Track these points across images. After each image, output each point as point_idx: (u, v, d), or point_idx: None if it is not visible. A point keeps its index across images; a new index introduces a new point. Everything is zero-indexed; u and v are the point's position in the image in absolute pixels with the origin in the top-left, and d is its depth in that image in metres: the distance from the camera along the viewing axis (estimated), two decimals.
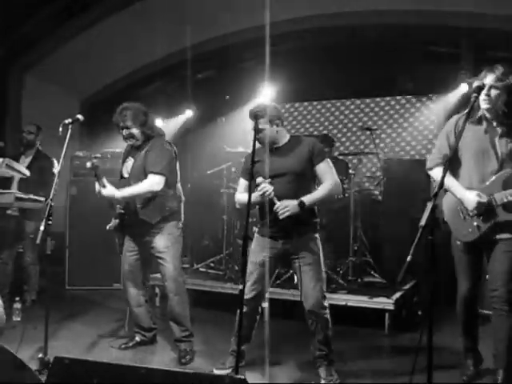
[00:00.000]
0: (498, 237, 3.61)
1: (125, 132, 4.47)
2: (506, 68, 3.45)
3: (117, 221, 4.53)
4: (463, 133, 3.32)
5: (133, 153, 4.59)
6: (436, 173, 3.87)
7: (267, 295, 5.66)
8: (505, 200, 3.50)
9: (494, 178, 3.60)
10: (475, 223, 3.63)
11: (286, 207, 3.76)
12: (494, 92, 3.51)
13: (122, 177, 4.64)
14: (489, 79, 3.50)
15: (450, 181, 3.69)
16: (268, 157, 4.03)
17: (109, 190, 4.30)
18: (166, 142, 4.60)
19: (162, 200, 4.47)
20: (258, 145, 3.95)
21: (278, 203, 3.78)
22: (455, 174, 3.75)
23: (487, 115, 3.64)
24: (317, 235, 4.01)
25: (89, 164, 4.30)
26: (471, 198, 3.59)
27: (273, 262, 4.06)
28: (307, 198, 3.83)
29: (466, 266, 3.81)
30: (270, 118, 3.98)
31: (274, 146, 4.05)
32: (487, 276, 3.85)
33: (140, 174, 4.44)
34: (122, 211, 4.50)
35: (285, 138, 4.10)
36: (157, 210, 4.46)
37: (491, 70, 3.54)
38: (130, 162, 4.58)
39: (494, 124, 3.64)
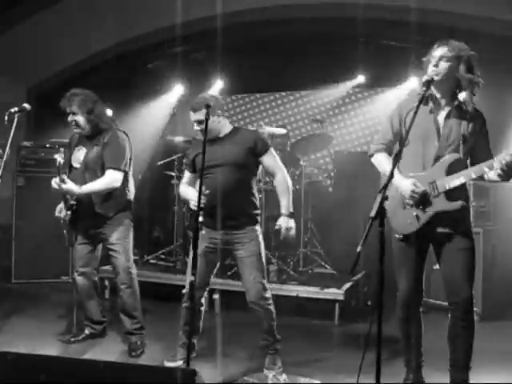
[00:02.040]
0: (440, 230, 3.33)
1: (70, 118, 4.36)
2: (461, 43, 3.24)
3: (68, 213, 4.42)
4: (409, 117, 3.10)
5: (84, 142, 4.48)
6: (378, 159, 3.60)
7: (218, 287, 5.70)
8: (447, 187, 3.22)
9: (437, 163, 3.29)
10: (414, 213, 3.33)
11: (290, 229, 3.95)
12: (443, 64, 3.23)
13: (71, 166, 4.52)
14: (439, 51, 3.26)
15: (388, 167, 3.42)
16: (208, 146, 3.94)
17: (69, 186, 4.18)
18: (123, 134, 4.51)
19: (118, 194, 4.41)
20: (199, 136, 4.00)
21: (282, 229, 3.92)
22: (399, 160, 3.34)
23: (435, 93, 3.35)
24: (257, 227, 4.01)
25: (59, 158, 4.16)
26: (407, 185, 3.30)
27: (213, 252, 4.05)
28: (287, 206, 3.97)
29: (405, 263, 3.45)
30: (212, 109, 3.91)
31: (217, 136, 4.03)
32: (436, 265, 3.58)
33: (96, 166, 4.36)
34: (75, 203, 4.40)
35: (226, 128, 4.08)
36: (113, 204, 4.41)
37: (444, 43, 3.28)
38: (82, 151, 4.46)
39: (443, 103, 3.37)
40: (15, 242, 7.01)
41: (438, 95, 3.37)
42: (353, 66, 7.58)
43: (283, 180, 4.00)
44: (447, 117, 3.33)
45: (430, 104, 3.39)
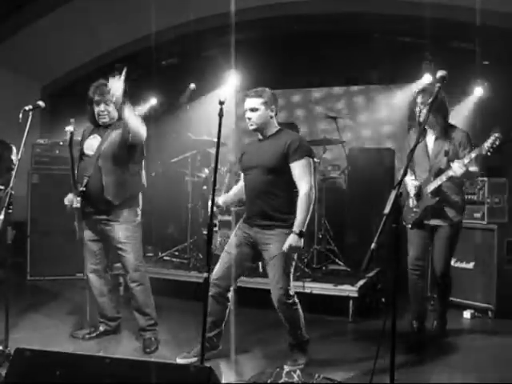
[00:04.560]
0: (431, 222, 4.59)
1: (103, 107, 4.38)
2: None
3: (79, 199, 4.36)
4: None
5: (99, 131, 4.47)
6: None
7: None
8: (432, 188, 4.47)
9: (427, 173, 4.59)
10: (415, 209, 4.64)
11: (295, 248, 3.80)
12: (420, 98, 4.49)
13: (83, 154, 4.50)
14: (419, 99, 4.51)
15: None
16: (254, 146, 4.15)
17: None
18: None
19: (126, 182, 4.40)
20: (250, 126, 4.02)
21: (286, 246, 3.80)
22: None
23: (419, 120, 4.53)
24: (288, 231, 3.86)
25: (70, 129, 4.23)
26: (412, 184, 4.65)
27: (248, 246, 4.08)
28: (298, 224, 3.82)
29: (413, 241, 4.71)
30: (265, 100, 3.97)
31: (262, 134, 4.06)
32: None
33: (111, 153, 4.35)
34: (84, 189, 4.35)
35: (274, 128, 4.07)
36: (121, 191, 4.37)
37: (420, 92, 4.57)
38: (96, 139, 4.44)
39: (427, 127, 4.60)
40: (30, 239, 7.07)
41: (427, 126, 4.59)
42: (366, 63, 7.54)
43: (304, 197, 3.85)
44: (436, 138, 4.62)
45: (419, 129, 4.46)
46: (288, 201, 3.94)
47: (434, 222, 4.59)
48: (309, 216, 3.90)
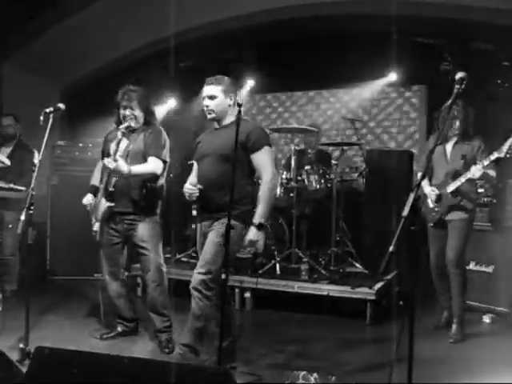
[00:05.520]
0: (449, 217, 4.84)
1: (128, 111, 4.46)
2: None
3: (108, 204, 4.43)
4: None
5: (126, 135, 4.50)
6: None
7: (249, 285, 5.71)
8: (452, 188, 4.72)
9: (444, 177, 4.86)
10: (436, 209, 4.91)
11: (253, 242, 3.62)
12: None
13: (109, 156, 4.51)
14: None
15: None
16: (209, 135, 4.01)
17: (120, 163, 4.18)
18: (164, 131, 4.61)
19: (152, 186, 4.48)
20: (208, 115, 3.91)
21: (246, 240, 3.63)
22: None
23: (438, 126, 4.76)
24: (235, 222, 3.54)
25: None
26: (429, 191, 4.90)
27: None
28: (258, 215, 3.62)
29: (433, 240, 5.02)
30: (224, 88, 3.84)
31: (219, 123, 3.93)
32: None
33: (138, 156, 4.43)
34: (113, 189, 4.41)
35: (231, 117, 3.87)
36: (148, 196, 4.47)
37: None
38: (124, 142, 4.48)
39: (448, 134, 4.85)
40: (50, 240, 7.14)
41: (446, 130, 4.81)
42: (385, 64, 7.51)
43: (264, 186, 3.69)
44: (455, 143, 4.86)
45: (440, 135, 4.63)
46: (240, 192, 3.66)
47: (450, 216, 4.83)
48: (271, 207, 3.72)
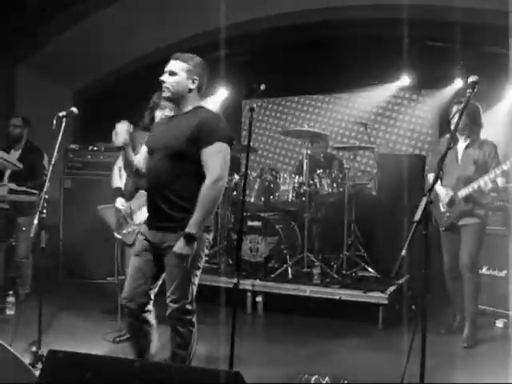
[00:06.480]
0: (461, 222, 4.81)
1: (166, 112, 4.32)
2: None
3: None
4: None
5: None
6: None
7: (261, 289, 5.71)
8: (464, 194, 4.69)
9: (455, 181, 4.80)
10: (448, 214, 4.89)
11: (180, 256, 3.05)
12: (454, 108, 4.65)
13: None
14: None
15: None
16: (163, 124, 3.45)
17: None
18: None
19: None
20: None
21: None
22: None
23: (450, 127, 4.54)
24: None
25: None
26: (444, 193, 4.86)
27: (145, 254, 3.33)
28: (189, 226, 3.04)
29: (446, 245, 5.02)
30: (189, 68, 3.24)
31: (177, 109, 3.33)
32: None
33: None
34: None
35: (192, 104, 3.29)
36: None
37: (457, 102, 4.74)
38: None
39: (458, 136, 4.82)
40: (62, 243, 7.18)
41: (458, 134, 4.76)
42: (397, 68, 7.51)
43: (204, 189, 3.09)
44: (467, 147, 4.83)
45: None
46: (194, 198, 3.10)
47: (463, 221, 4.82)
48: (210, 215, 3.15)
